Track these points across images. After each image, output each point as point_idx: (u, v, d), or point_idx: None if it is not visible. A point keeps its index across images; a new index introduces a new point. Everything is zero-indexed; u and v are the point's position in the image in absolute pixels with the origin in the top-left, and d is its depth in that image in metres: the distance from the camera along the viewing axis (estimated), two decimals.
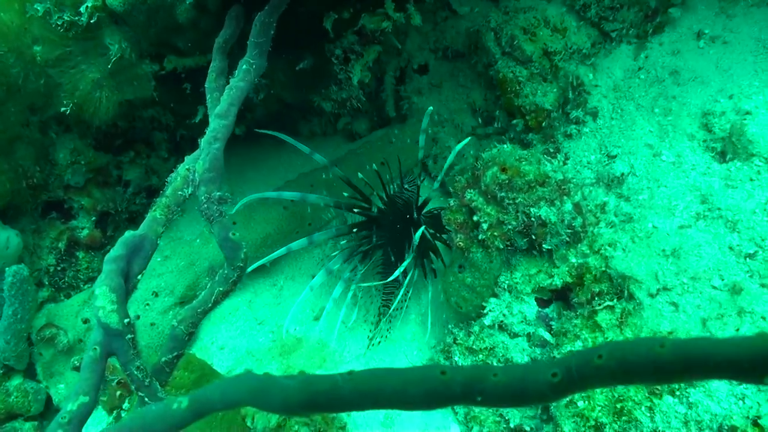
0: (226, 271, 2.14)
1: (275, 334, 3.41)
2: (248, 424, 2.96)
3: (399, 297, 3.00)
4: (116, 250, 1.95)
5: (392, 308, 3.10)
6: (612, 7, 2.95)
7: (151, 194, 3.68)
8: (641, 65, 2.94)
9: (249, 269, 2.91)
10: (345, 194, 3.18)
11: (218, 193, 2.09)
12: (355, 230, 3.15)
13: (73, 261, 3.49)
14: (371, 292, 3.39)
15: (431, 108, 2.83)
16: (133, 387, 1.97)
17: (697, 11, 2.94)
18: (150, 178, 3.69)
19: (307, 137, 4.01)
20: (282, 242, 3.24)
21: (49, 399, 3.29)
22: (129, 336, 1.90)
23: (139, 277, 2.01)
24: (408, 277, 2.97)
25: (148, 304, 3.31)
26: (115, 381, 3.19)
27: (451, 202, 2.72)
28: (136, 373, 1.93)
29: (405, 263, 2.84)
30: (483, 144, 3.48)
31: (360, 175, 3.11)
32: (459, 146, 2.69)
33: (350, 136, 4.10)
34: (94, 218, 3.52)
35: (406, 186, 3.28)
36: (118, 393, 3.20)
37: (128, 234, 2.01)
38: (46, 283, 3.42)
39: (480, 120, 3.49)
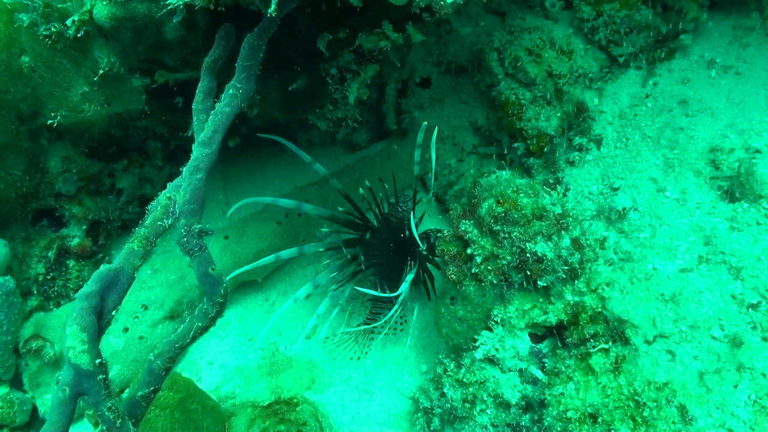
0: (205, 307, 2.07)
1: (265, 351, 3.35)
2: None
3: (387, 317, 2.92)
4: (89, 285, 1.88)
5: (379, 325, 3.03)
6: (621, 30, 2.83)
7: (145, 203, 3.58)
8: (649, 92, 2.83)
9: (237, 272, 2.85)
10: (340, 209, 3.10)
11: (198, 226, 2.02)
12: (347, 247, 3.08)
13: (63, 270, 3.43)
14: (359, 310, 3.31)
15: (425, 123, 2.74)
16: (104, 428, 1.90)
17: (710, 38, 2.83)
18: (144, 187, 3.62)
19: (305, 147, 3.92)
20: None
21: (35, 409, 3.25)
22: (101, 376, 1.83)
23: (113, 313, 1.94)
24: (400, 299, 2.88)
25: (137, 317, 3.26)
26: None
27: (445, 232, 2.63)
28: (107, 414, 1.86)
29: (404, 286, 2.76)
30: (483, 163, 3.39)
31: (361, 190, 3.03)
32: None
33: (350, 147, 4.00)
34: (85, 227, 3.46)
35: (401, 205, 3.20)
36: None
37: (103, 268, 1.93)
38: (35, 292, 3.37)
39: (482, 139, 3.39)
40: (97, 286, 1.87)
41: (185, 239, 2.00)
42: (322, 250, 3.06)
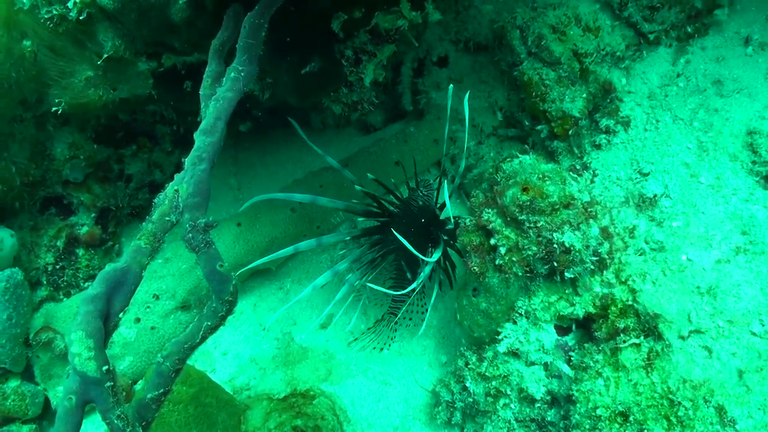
0: (214, 305, 1.96)
1: (280, 342, 3.26)
2: None
3: (414, 284, 2.80)
4: (95, 287, 1.78)
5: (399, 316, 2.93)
6: (651, 6, 2.68)
7: (154, 189, 3.52)
8: (680, 71, 2.68)
9: (254, 264, 2.75)
10: (355, 201, 2.98)
11: (204, 220, 1.90)
12: (366, 235, 2.98)
13: (72, 259, 3.35)
14: (379, 300, 3.22)
15: (452, 86, 2.64)
16: None
17: (746, 13, 2.66)
18: (153, 173, 3.51)
19: (318, 129, 3.80)
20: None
21: (47, 402, 3.19)
22: (108, 384, 1.74)
23: (121, 315, 1.84)
24: (417, 286, 2.76)
25: (149, 307, 3.18)
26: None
27: (467, 221, 2.51)
28: (117, 422, 1.77)
29: (422, 276, 2.64)
30: (504, 146, 3.26)
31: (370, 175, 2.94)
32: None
33: (364, 128, 3.88)
34: (94, 215, 3.36)
35: (421, 189, 3.08)
36: None
37: (109, 268, 1.83)
38: (45, 282, 3.29)
39: (502, 120, 3.25)
40: (103, 288, 1.77)
41: (190, 235, 1.89)
42: (348, 238, 2.96)
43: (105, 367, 1.72)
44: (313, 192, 3.18)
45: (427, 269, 2.66)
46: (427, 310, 3.14)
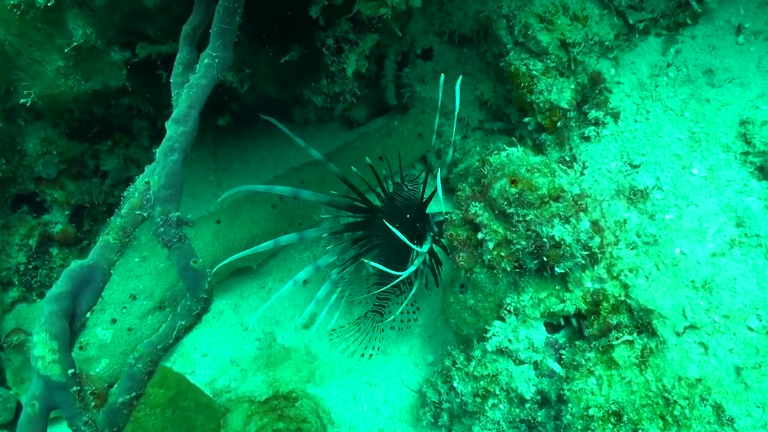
0: (188, 303, 1.86)
1: (262, 342, 3.16)
2: None
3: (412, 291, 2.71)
4: (59, 286, 1.67)
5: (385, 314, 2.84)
6: None
7: None
8: (670, 61, 2.62)
9: (232, 258, 2.64)
10: (333, 192, 2.88)
11: (176, 214, 1.80)
12: (349, 231, 2.89)
13: (46, 258, 3.23)
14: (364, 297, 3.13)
15: (443, 75, 2.54)
16: None
17: (737, 1, 2.60)
18: (129, 169, 3.40)
19: (300, 124, 3.71)
20: None
21: (19, 406, 3.07)
22: (74, 388, 1.64)
23: (88, 315, 1.74)
24: (413, 267, 2.66)
25: (125, 308, 3.07)
26: (89, 391, 2.96)
27: (454, 215, 2.43)
28: (83, 429, 1.68)
29: (411, 268, 2.55)
30: (491, 139, 3.18)
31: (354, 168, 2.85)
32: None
33: (348, 123, 3.80)
34: (68, 212, 3.24)
35: (406, 184, 2.99)
36: (93, 405, 2.98)
37: (75, 265, 1.73)
38: (17, 282, 3.17)
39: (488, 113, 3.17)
40: (68, 287, 1.67)
41: (162, 229, 1.79)
42: (326, 235, 2.86)
43: (70, 371, 1.62)
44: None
45: (418, 261, 2.56)
46: (418, 309, 3.06)
